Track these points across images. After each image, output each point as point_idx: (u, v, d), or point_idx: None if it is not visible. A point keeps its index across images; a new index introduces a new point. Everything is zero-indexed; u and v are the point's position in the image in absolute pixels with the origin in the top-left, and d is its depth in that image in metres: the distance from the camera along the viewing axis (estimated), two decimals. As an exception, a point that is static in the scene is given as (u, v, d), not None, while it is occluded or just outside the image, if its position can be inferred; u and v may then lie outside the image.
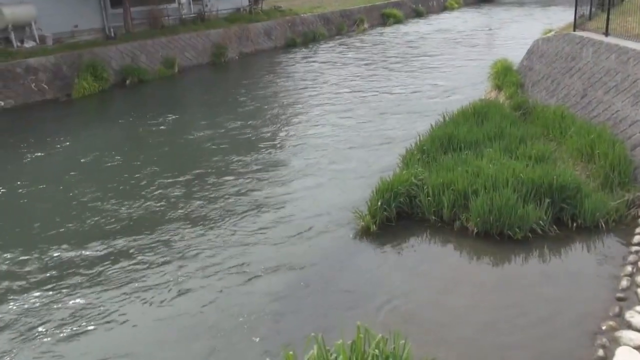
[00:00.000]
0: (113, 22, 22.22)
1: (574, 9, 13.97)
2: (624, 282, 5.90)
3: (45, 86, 17.43)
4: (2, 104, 16.23)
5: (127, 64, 19.92)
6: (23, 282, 7.03)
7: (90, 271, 7.17)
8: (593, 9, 14.15)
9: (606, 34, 11.54)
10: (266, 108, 15.57)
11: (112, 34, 21.67)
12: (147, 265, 7.26)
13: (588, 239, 7.24)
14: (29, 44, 18.94)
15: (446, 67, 20.02)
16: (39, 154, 12.30)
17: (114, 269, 7.21)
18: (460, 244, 7.37)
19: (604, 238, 7.21)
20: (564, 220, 7.48)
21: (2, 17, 18.23)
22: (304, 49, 26.68)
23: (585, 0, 14.02)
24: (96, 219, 8.69)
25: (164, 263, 7.29)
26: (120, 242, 7.88)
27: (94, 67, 18.45)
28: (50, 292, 6.76)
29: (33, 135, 13.81)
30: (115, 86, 19.11)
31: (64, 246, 7.85)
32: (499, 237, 7.27)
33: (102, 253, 7.63)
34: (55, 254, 7.65)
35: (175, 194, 9.56)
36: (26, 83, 17.03)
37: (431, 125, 10.65)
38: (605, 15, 11.88)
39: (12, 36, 18.57)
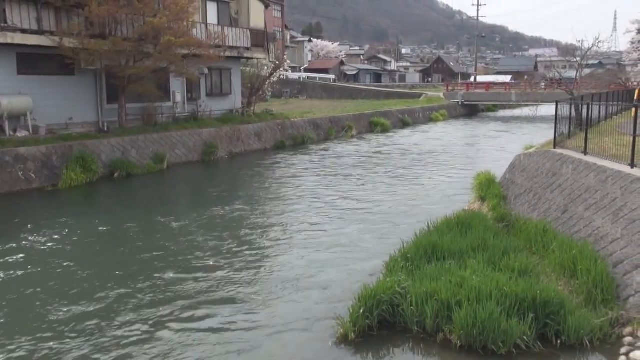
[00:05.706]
0: (108, 116, 22.75)
1: (553, 126, 14.59)
2: (611, 406, 5.70)
3: (32, 175, 17.46)
4: (-14, 190, 16.17)
5: (117, 157, 20.16)
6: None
7: None
8: (572, 128, 14.78)
9: (585, 152, 11.98)
10: (250, 208, 15.60)
11: (106, 128, 22.10)
12: None
13: (573, 358, 7.06)
14: (21, 134, 19.20)
15: (430, 177, 20.47)
16: (13, 243, 12.07)
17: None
18: (443, 358, 7.14)
19: (589, 357, 7.04)
20: (548, 336, 7.32)
21: (-1, 106, 18.63)
22: (292, 152, 27.29)
23: (564, 119, 14.69)
24: (60, 313, 8.40)
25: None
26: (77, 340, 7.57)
27: (83, 159, 18.65)
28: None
29: (10, 223, 13.62)
30: (103, 178, 19.21)
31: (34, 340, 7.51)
32: (482, 351, 7.06)
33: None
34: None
35: (137, 293, 9.27)
36: (14, 171, 17.06)
37: (415, 233, 10.69)
38: (584, 135, 12.39)
39: (6, 125, 18.87)
